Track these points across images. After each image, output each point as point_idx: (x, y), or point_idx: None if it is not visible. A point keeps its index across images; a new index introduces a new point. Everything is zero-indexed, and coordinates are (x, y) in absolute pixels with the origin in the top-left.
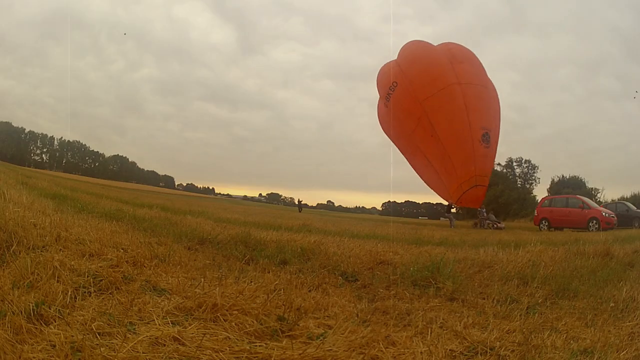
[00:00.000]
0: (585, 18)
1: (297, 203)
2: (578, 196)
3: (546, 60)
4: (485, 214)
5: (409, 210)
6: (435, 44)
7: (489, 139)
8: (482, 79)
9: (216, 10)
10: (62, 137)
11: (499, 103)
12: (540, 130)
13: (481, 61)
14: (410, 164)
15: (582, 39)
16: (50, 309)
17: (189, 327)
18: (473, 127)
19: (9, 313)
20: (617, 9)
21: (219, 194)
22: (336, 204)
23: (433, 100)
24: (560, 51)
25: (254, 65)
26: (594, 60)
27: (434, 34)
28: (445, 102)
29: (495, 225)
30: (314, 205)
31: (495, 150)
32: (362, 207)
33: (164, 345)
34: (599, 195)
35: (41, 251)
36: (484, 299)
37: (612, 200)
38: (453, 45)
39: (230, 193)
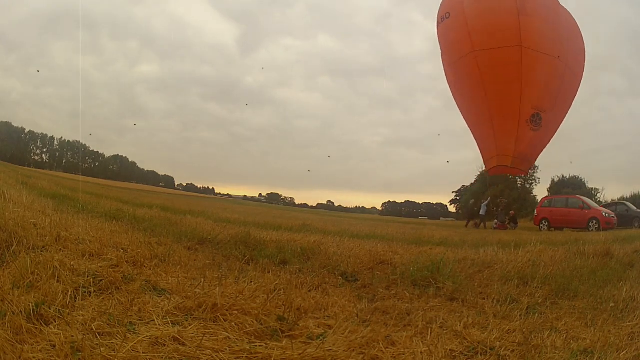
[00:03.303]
0: (591, 14)
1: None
2: (578, 196)
3: None
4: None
5: (409, 210)
6: None
7: (540, 121)
8: (556, 46)
9: (216, 8)
10: (62, 137)
11: (575, 78)
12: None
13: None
14: (458, 104)
15: (586, 36)
16: (50, 309)
17: (189, 327)
18: (523, 104)
19: (9, 313)
20: (623, 4)
21: (219, 194)
22: (336, 204)
23: (487, 55)
24: None
25: (254, 63)
26: (599, 57)
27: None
28: (501, 63)
29: (498, 225)
30: (314, 205)
31: (549, 135)
32: (362, 207)
33: (164, 345)
34: (599, 195)
35: (41, 251)
36: (484, 299)
37: (612, 200)
38: None
39: (230, 193)
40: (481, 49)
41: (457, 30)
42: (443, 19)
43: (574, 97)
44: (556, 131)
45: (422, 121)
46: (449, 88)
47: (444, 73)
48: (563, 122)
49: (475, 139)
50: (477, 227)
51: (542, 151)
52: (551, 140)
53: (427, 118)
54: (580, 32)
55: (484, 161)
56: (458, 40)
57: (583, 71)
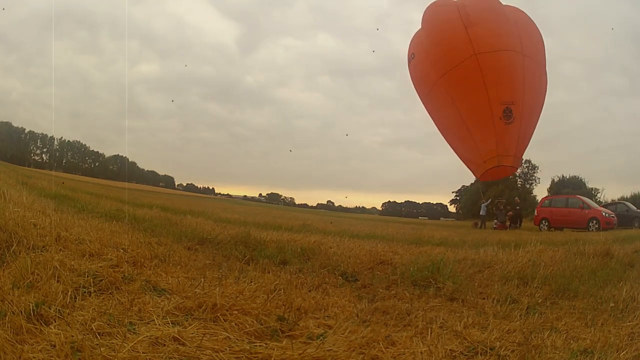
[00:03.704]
0: (591, 14)
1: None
2: (578, 196)
3: (550, 57)
4: (502, 207)
5: (409, 210)
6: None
7: (511, 113)
8: (509, 40)
9: (217, 8)
10: (62, 137)
11: (538, 65)
12: (542, 130)
13: None
14: (437, 118)
15: (588, 35)
16: (50, 309)
17: (189, 327)
18: (493, 104)
19: (9, 313)
20: (624, 4)
21: (219, 194)
22: (336, 204)
23: (449, 77)
24: (566, 48)
25: (254, 63)
26: (600, 56)
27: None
28: (461, 79)
29: (500, 225)
30: (314, 205)
31: (528, 126)
32: (362, 207)
33: (164, 345)
34: (599, 195)
35: (41, 251)
36: (484, 299)
37: (612, 200)
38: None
39: (230, 193)
40: (444, 73)
41: (422, 65)
42: (410, 60)
43: (543, 83)
44: (536, 121)
45: (422, 121)
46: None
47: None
48: (541, 111)
49: (461, 158)
50: (477, 226)
51: (526, 144)
52: (533, 131)
53: (427, 118)
54: (531, 20)
55: (473, 173)
56: (425, 73)
57: (545, 57)
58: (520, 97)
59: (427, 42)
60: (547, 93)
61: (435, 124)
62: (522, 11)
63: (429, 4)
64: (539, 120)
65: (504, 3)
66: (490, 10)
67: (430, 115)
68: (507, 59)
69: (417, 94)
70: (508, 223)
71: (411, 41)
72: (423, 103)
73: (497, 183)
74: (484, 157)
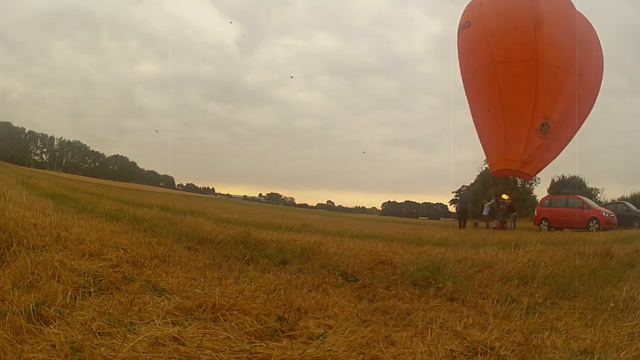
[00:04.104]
0: (592, 14)
1: None
2: (578, 196)
3: None
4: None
5: (409, 210)
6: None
7: (547, 129)
8: (571, 61)
9: (217, 7)
10: (62, 137)
11: (590, 94)
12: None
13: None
14: (470, 106)
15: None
16: (50, 309)
17: (189, 327)
18: (535, 113)
19: (9, 313)
20: (624, 4)
21: (219, 194)
22: (336, 204)
23: (505, 67)
24: None
25: (254, 63)
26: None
27: (440, 30)
28: (517, 75)
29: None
30: (314, 205)
31: (559, 145)
32: (362, 207)
33: (164, 345)
34: (599, 195)
35: (41, 251)
36: (484, 299)
37: (612, 200)
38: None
39: (230, 193)
40: (499, 61)
41: (476, 40)
42: (464, 27)
43: (588, 111)
44: (567, 143)
45: (422, 121)
46: (452, 88)
47: (447, 74)
48: (576, 134)
49: (482, 142)
50: (477, 226)
51: (551, 160)
52: (562, 150)
53: (427, 118)
54: (597, 39)
55: (489, 163)
56: (478, 50)
57: (600, 85)
58: (561, 118)
59: (490, 21)
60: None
61: (470, 103)
62: (589, 22)
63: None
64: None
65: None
66: (562, 15)
67: (466, 91)
68: (564, 79)
69: (458, 65)
70: (506, 222)
71: (468, 8)
72: (463, 76)
73: (497, 183)
74: (509, 156)
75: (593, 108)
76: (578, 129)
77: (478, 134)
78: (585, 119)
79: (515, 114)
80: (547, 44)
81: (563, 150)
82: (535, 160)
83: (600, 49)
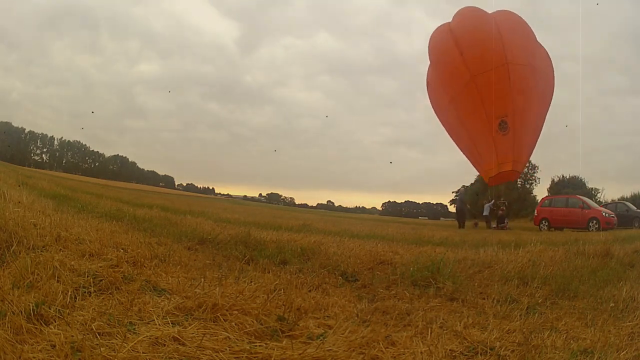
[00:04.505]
0: (592, 13)
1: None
2: (578, 196)
3: (551, 56)
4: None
5: (409, 210)
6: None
7: (506, 125)
8: (493, 57)
9: (218, 6)
10: (62, 137)
11: (527, 66)
12: (542, 130)
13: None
14: (450, 135)
15: (589, 35)
16: (50, 309)
17: (189, 327)
18: (490, 119)
19: (9, 313)
20: (625, 3)
21: (219, 194)
22: (336, 204)
23: (456, 102)
24: (566, 47)
25: (254, 63)
26: (601, 56)
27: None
28: (466, 102)
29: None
30: (314, 205)
31: (523, 129)
32: (362, 207)
33: (164, 345)
34: (599, 195)
35: (41, 251)
36: (484, 299)
37: (612, 200)
38: (457, 22)
39: (230, 193)
40: (450, 99)
41: (433, 93)
42: (427, 89)
43: (538, 80)
44: (535, 126)
45: (423, 121)
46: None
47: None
48: (546, 107)
49: (472, 164)
50: (477, 226)
51: (528, 145)
52: (537, 131)
53: (427, 118)
54: (521, 21)
55: (482, 177)
56: (436, 99)
57: (537, 51)
58: (511, 107)
59: (433, 73)
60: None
61: (452, 139)
62: (511, 13)
63: (431, 34)
64: (546, 120)
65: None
66: (475, 28)
67: (448, 134)
68: (496, 75)
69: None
70: (506, 222)
71: (436, 38)
72: (441, 123)
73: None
74: (487, 166)
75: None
76: (541, 102)
77: (465, 155)
78: (542, 90)
79: (477, 130)
80: (473, 58)
81: (562, 150)
82: (509, 156)
83: (528, 29)
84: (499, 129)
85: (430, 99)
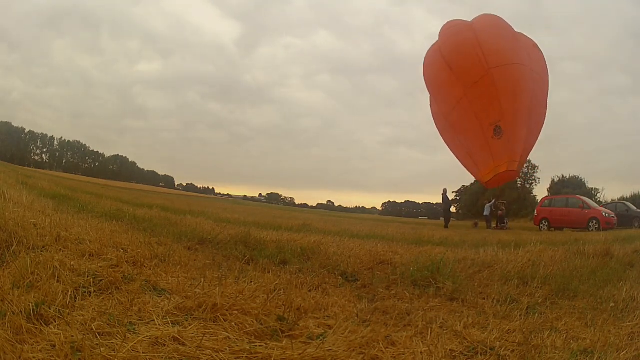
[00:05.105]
0: (594, 13)
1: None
2: (578, 196)
3: (552, 56)
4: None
5: (409, 210)
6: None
7: (501, 130)
8: (476, 68)
9: (218, 6)
10: (62, 137)
11: (515, 66)
12: (542, 130)
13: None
14: (453, 153)
15: (590, 34)
16: (50, 309)
17: (189, 327)
18: (484, 128)
19: (9, 313)
20: (626, 3)
21: (219, 194)
22: (336, 204)
23: (453, 116)
24: (568, 47)
25: (255, 62)
26: (602, 55)
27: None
28: (462, 114)
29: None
30: (314, 205)
31: (517, 130)
32: (362, 207)
33: (164, 345)
34: (599, 195)
35: (41, 251)
36: (484, 299)
37: (612, 200)
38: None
39: (230, 193)
40: (448, 113)
41: (433, 107)
42: (429, 98)
43: (528, 81)
44: (529, 122)
45: (423, 121)
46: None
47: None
48: (541, 103)
49: (471, 173)
50: (477, 226)
51: (524, 145)
52: (534, 129)
53: (427, 118)
54: (502, 22)
55: (480, 182)
56: (436, 113)
57: (526, 50)
58: (502, 111)
59: (432, 99)
60: (549, 89)
61: (457, 158)
62: (489, 16)
63: (445, 24)
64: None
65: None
66: (457, 42)
67: (453, 154)
68: (482, 84)
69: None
70: (505, 222)
71: (429, 65)
72: (447, 144)
73: None
74: (484, 171)
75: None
76: (535, 101)
77: (468, 169)
78: (533, 88)
79: (473, 141)
80: (463, 72)
81: (562, 150)
82: (504, 158)
83: (509, 28)
84: (494, 135)
85: (436, 127)
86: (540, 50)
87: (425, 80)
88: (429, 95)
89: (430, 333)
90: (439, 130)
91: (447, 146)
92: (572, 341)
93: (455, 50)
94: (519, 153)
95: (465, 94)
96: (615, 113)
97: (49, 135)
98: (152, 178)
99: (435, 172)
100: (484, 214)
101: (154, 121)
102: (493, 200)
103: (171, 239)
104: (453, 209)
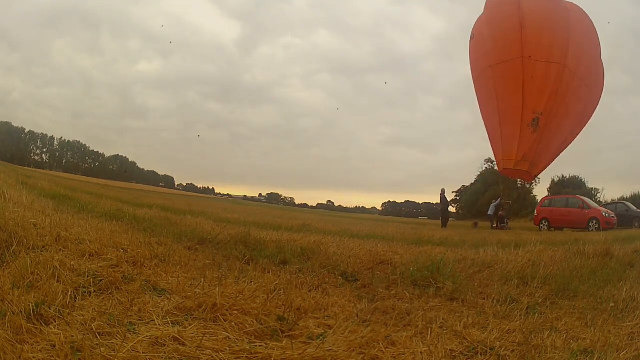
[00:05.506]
0: (593, 12)
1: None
2: (578, 196)
3: None
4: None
5: (409, 210)
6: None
7: (538, 124)
8: (554, 52)
9: (218, 6)
10: (62, 137)
11: (581, 82)
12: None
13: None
14: (479, 100)
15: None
16: (50, 309)
17: (189, 327)
18: (525, 110)
19: (9, 313)
20: (626, 3)
21: (219, 194)
22: (336, 204)
23: (495, 70)
24: None
25: (255, 62)
26: (604, 55)
27: (443, 29)
28: (505, 76)
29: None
30: (314, 205)
31: (554, 138)
32: (362, 207)
33: (164, 345)
34: (599, 195)
35: (41, 251)
36: (484, 299)
37: (612, 200)
38: (535, 2)
39: (230, 193)
40: (492, 64)
41: (476, 49)
42: (470, 39)
43: (584, 99)
44: (564, 135)
45: (423, 121)
46: (453, 87)
47: (448, 73)
48: (578, 127)
49: (491, 144)
50: (477, 226)
51: (551, 155)
52: (564, 144)
53: (428, 117)
54: (591, 26)
55: (497, 163)
56: (478, 57)
57: (595, 68)
58: (549, 109)
59: (485, 28)
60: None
61: (479, 104)
62: (584, 12)
63: None
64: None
65: None
66: (548, 11)
67: (476, 96)
68: (550, 70)
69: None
70: (506, 222)
71: (476, 21)
72: (473, 83)
73: (498, 183)
74: (505, 156)
75: (600, 101)
76: (577, 120)
77: (488, 135)
78: (582, 109)
79: (509, 113)
80: (532, 41)
81: (564, 150)
82: (529, 156)
83: (596, 39)
84: (531, 124)
85: (470, 51)
86: (603, 81)
87: (487, 8)
88: (480, 17)
89: (430, 333)
90: (474, 75)
91: (475, 91)
92: (572, 341)
93: (539, 16)
94: (544, 161)
95: (523, 59)
96: (616, 113)
97: (49, 135)
98: (152, 178)
99: (435, 172)
100: (488, 213)
101: (154, 121)
102: (499, 199)
103: (171, 239)
104: (453, 209)
